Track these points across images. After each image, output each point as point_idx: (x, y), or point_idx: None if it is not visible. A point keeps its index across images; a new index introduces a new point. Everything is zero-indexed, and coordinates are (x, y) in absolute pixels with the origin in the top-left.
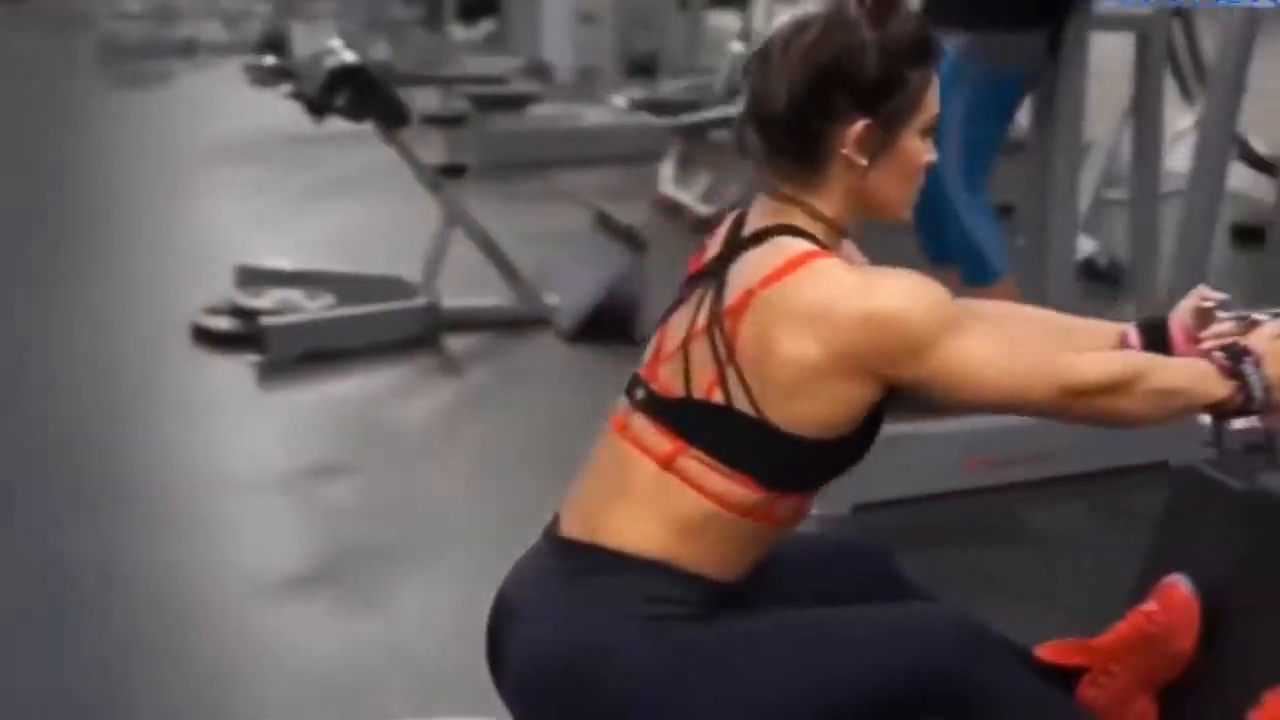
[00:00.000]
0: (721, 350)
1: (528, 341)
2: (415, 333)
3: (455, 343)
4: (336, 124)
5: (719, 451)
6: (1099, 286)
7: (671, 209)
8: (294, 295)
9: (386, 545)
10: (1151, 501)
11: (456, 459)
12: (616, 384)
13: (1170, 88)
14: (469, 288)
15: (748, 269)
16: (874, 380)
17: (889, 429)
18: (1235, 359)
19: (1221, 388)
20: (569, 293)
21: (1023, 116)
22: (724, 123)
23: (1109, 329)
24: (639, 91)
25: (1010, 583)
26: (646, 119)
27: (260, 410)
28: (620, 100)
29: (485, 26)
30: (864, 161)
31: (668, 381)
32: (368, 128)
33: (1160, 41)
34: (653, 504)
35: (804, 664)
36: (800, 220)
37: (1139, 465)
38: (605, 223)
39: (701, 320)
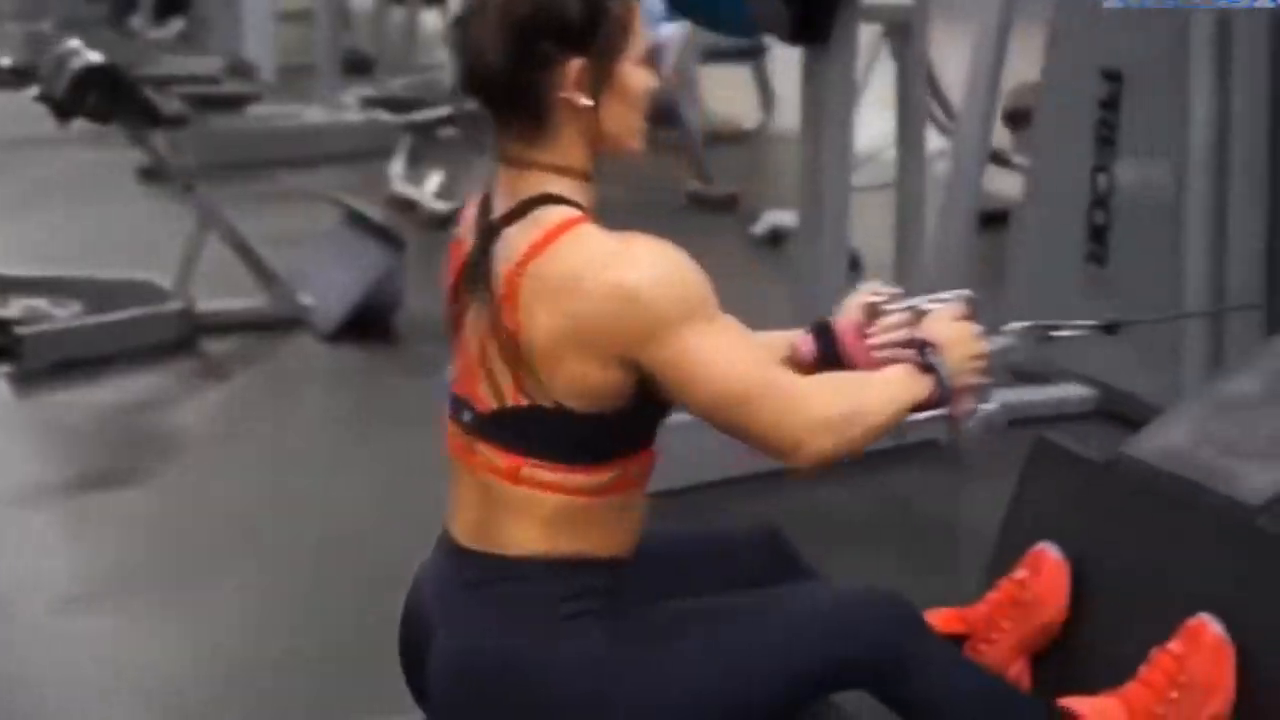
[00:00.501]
0: (509, 349)
1: (287, 343)
2: (171, 338)
3: (214, 346)
4: (46, 125)
5: (550, 451)
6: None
7: (405, 206)
8: (39, 303)
9: (183, 551)
10: (911, 480)
11: (235, 462)
12: (380, 381)
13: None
14: (220, 290)
15: (507, 250)
16: (611, 361)
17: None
18: (923, 354)
19: (923, 386)
20: (326, 292)
21: None
22: (458, 119)
23: (782, 339)
24: (365, 90)
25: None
26: (378, 117)
27: (18, 423)
28: (349, 98)
29: (175, 25)
30: (588, 101)
31: (483, 396)
32: (79, 128)
33: (923, 34)
34: (522, 513)
35: (742, 648)
36: (549, 183)
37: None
38: (359, 220)
39: (485, 323)
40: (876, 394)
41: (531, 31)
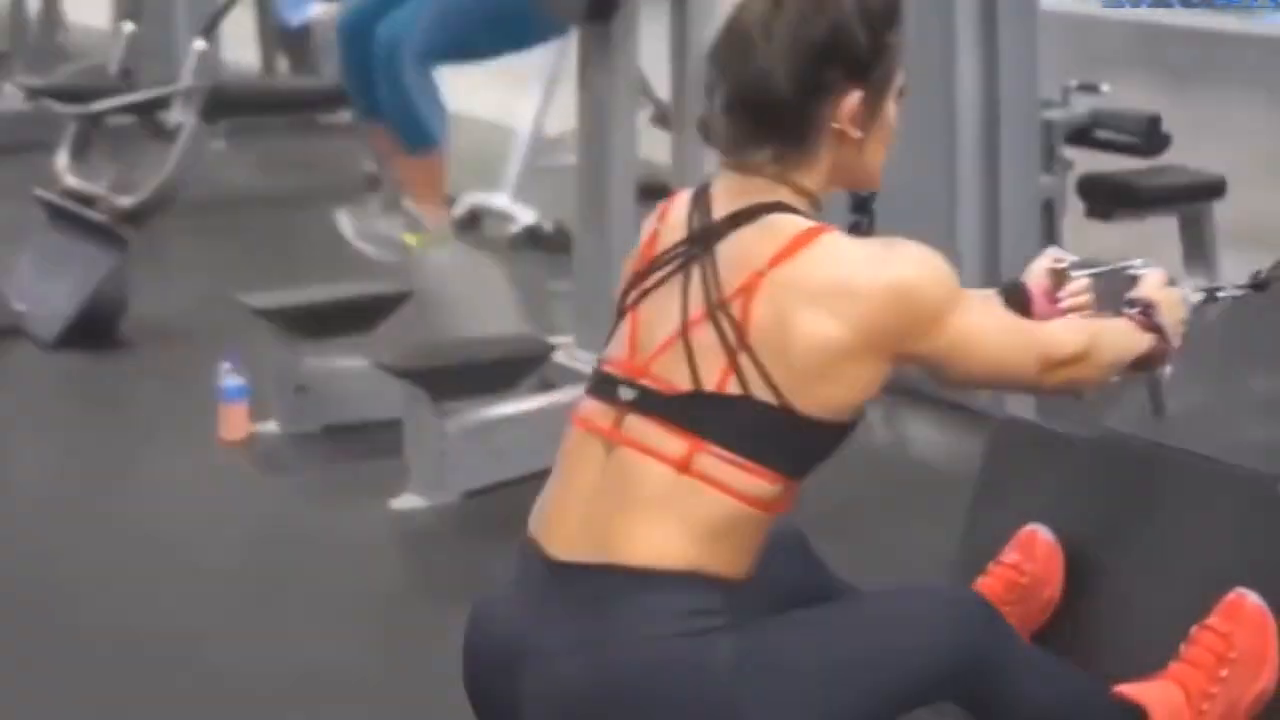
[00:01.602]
0: (731, 336)
1: (5, 353)
2: None
3: None
4: None
5: (738, 445)
6: (545, 254)
7: (82, 200)
8: None
9: None
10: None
11: None
12: (107, 387)
13: None
14: None
15: (745, 249)
16: (889, 358)
17: (489, 411)
18: (1150, 313)
19: (1144, 342)
20: (44, 298)
21: None
22: (141, 107)
23: None
24: (26, 79)
25: None
26: (47, 106)
27: None
28: (10, 87)
29: None
30: (859, 134)
31: (667, 375)
32: None
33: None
34: (672, 511)
35: (854, 660)
36: (785, 196)
37: None
38: (78, 221)
39: (698, 307)
40: (1112, 339)
41: (822, 59)
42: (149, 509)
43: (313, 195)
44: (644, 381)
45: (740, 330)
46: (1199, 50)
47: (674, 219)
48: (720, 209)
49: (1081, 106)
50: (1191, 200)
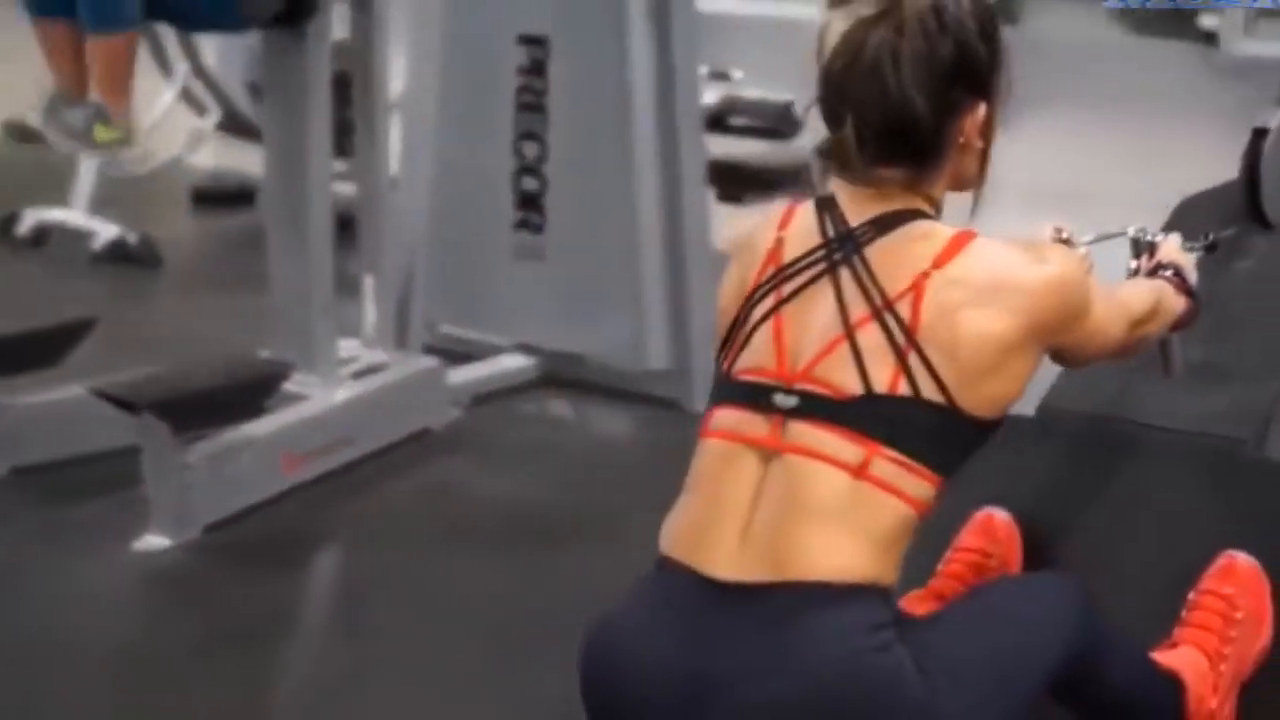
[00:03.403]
0: (900, 337)
1: None
2: None
3: None
4: None
5: (911, 447)
6: (132, 269)
7: None
8: None
9: None
10: (442, 467)
11: None
12: None
13: None
14: None
15: (901, 251)
16: (1044, 349)
17: (229, 438)
18: (1183, 276)
19: (1182, 303)
20: None
21: None
22: None
23: None
24: None
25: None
26: None
27: None
28: None
29: None
30: (981, 144)
31: (834, 379)
32: None
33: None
34: (851, 521)
35: (1010, 648)
36: (920, 204)
37: (405, 438)
38: None
39: (860, 309)
40: (1168, 298)
41: (951, 78)
42: None
43: None
44: (808, 387)
45: (909, 331)
46: None
47: (799, 227)
48: (854, 217)
49: (713, 94)
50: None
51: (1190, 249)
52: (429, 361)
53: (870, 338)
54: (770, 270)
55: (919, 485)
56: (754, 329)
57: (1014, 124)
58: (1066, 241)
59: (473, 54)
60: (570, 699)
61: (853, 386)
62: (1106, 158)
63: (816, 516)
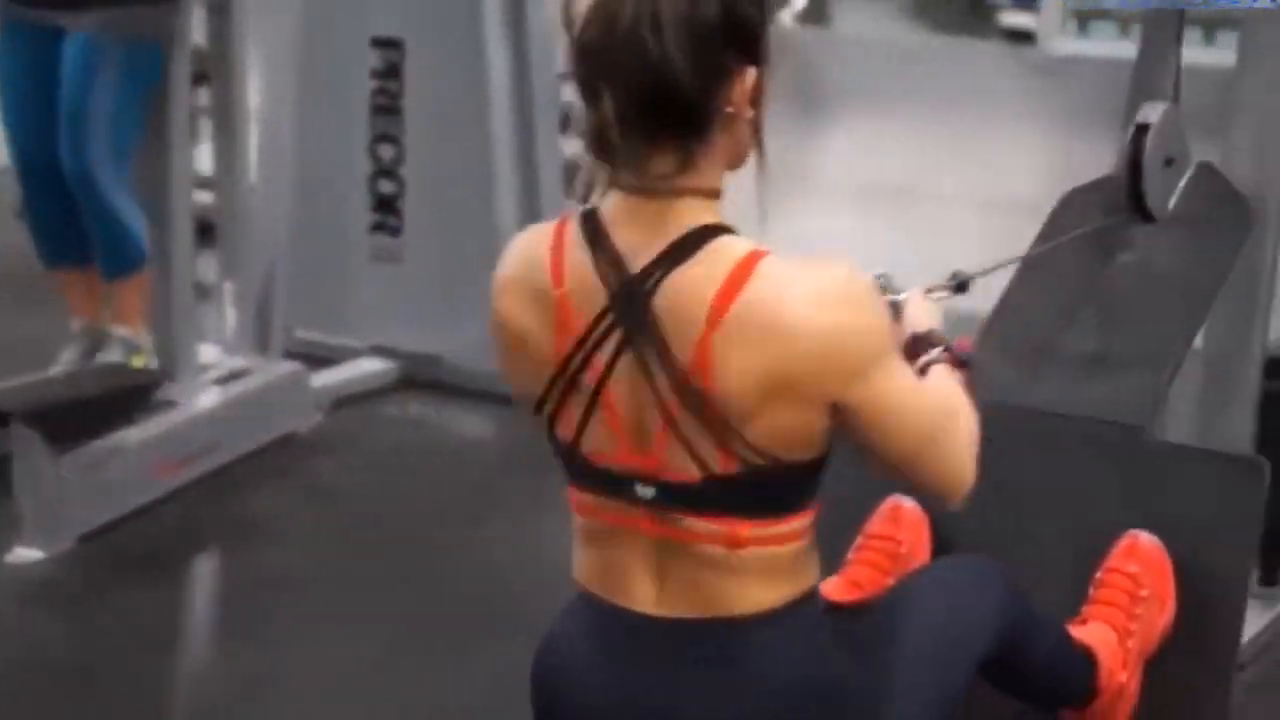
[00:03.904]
0: (709, 416)
1: None
2: None
3: None
4: None
5: (765, 512)
6: None
7: None
8: None
9: None
10: (310, 470)
11: None
12: None
13: None
14: None
15: (683, 304)
16: (822, 411)
17: (101, 445)
18: (951, 351)
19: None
20: None
21: None
22: None
23: None
24: None
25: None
26: None
27: None
28: None
29: None
30: (752, 112)
31: (678, 465)
32: None
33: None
34: (751, 571)
35: (941, 625)
36: (699, 211)
37: (271, 442)
38: None
39: (667, 391)
40: (965, 399)
41: (717, 40)
42: None
43: None
44: (660, 476)
45: (712, 407)
46: None
47: (576, 276)
48: (625, 244)
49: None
50: None
51: (936, 296)
52: (292, 366)
53: (687, 421)
54: (571, 342)
55: (793, 525)
56: (588, 407)
57: (836, 122)
58: (884, 289)
59: (328, 58)
60: (463, 699)
61: (694, 472)
62: (925, 156)
63: (720, 573)
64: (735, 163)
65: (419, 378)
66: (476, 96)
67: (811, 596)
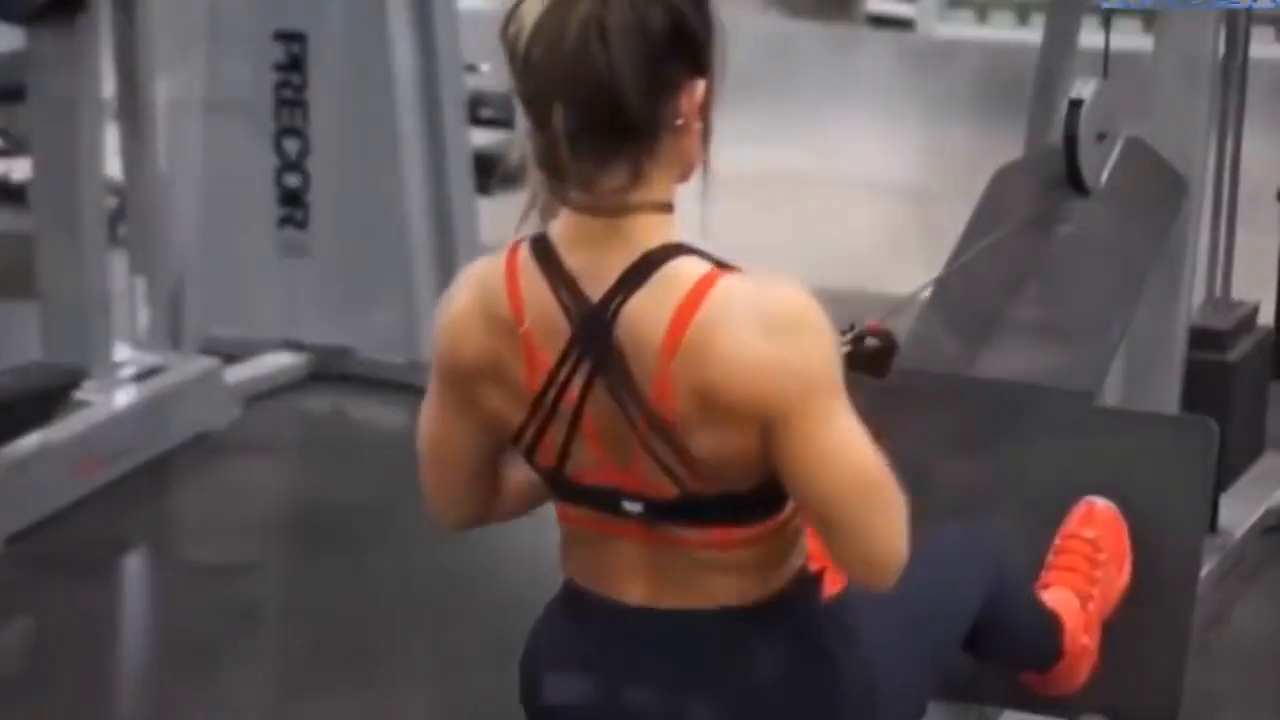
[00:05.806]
0: (675, 443)
1: None
2: None
3: None
4: None
5: (746, 518)
6: None
7: None
8: None
9: None
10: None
11: None
12: None
13: None
14: None
15: (642, 335)
16: (758, 437)
17: (25, 446)
18: (861, 336)
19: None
20: None
21: None
22: None
23: None
24: None
25: None
26: None
27: None
28: None
29: None
30: (700, 124)
31: (657, 483)
32: None
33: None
34: (743, 570)
35: (943, 611)
36: (655, 228)
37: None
38: None
39: (637, 417)
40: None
41: (665, 52)
42: None
43: None
44: (644, 493)
45: (677, 436)
46: None
47: (535, 309)
48: (579, 266)
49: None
50: None
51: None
52: (207, 362)
53: (659, 445)
54: (541, 378)
55: (771, 524)
56: (569, 432)
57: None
58: (845, 332)
59: (233, 52)
60: (406, 692)
61: (672, 489)
62: (810, 144)
63: (714, 570)
64: (685, 174)
65: (331, 370)
66: (382, 87)
67: (803, 577)
